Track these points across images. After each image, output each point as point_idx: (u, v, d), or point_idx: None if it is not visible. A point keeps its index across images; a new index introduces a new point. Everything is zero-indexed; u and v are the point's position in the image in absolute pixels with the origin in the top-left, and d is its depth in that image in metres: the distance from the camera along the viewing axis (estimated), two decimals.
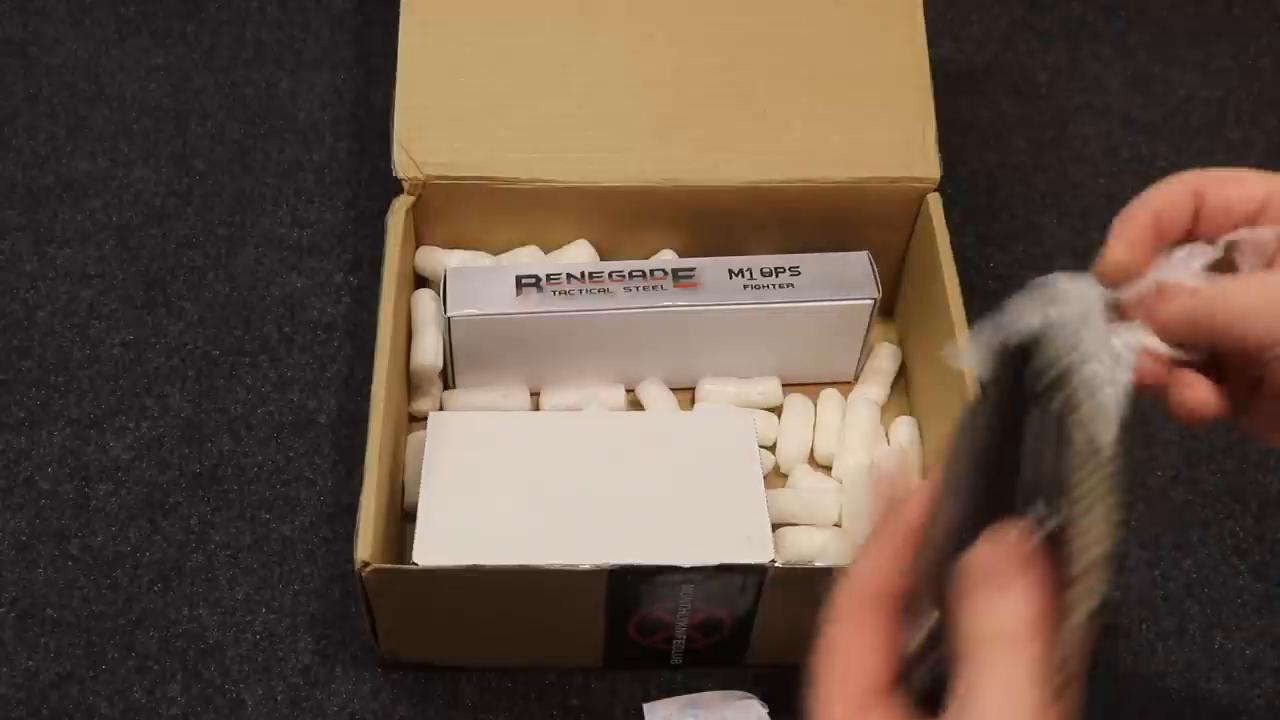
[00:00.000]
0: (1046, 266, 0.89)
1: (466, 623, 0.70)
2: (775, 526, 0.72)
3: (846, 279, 0.79)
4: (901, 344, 0.85)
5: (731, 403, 0.81)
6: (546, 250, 0.83)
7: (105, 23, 0.99)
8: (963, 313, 0.75)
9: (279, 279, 0.87)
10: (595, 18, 0.82)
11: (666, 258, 0.83)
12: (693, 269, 0.79)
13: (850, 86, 0.81)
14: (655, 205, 0.81)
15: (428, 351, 0.78)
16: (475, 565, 0.65)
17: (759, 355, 0.81)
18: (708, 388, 0.81)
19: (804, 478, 0.78)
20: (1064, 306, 0.45)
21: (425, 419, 0.74)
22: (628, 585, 0.66)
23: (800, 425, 0.80)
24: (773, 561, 0.66)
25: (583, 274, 0.78)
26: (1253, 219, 0.49)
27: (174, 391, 0.82)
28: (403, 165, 0.78)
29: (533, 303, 0.76)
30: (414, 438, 0.77)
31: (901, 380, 0.84)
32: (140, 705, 0.71)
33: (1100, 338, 0.45)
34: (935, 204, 0.79)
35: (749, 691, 0.71)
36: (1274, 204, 0.49)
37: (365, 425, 0.69)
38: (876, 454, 0.78)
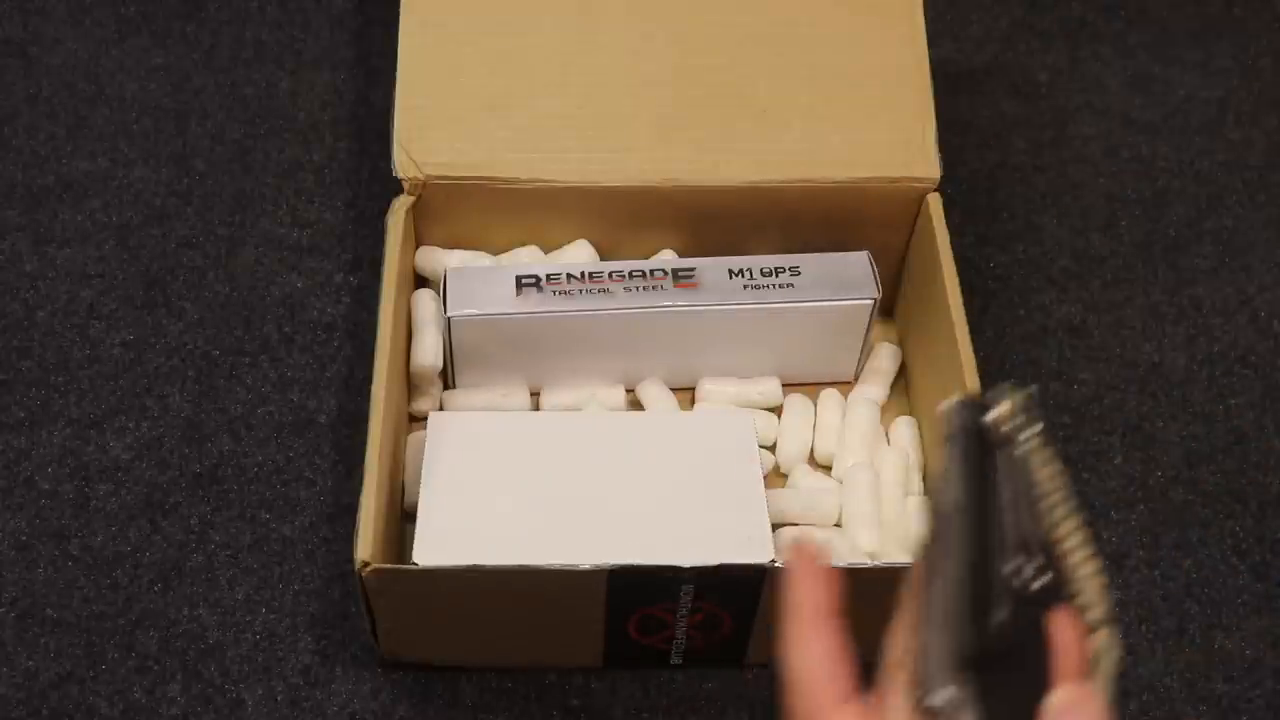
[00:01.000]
0: (1046, 266, 0.90)
1: (466, 623, 0.70)
2: (775, 526, 0.72)
3: (846, 279, 0.79)
4: (901, 344, 0.85)
5: (731, 403, 0.81)
6: (546, 250, 0.83)
7: (105, 23, 0.99)
8: (963, 313, 0.74)
9: (279, 279, 0.87)
10: (595, 18, 0.82)
11: (666, 258, 0.83)
12: (693, 269, 0.78)
13: (850, 86, 0.81)
14: (655, 205, 0.81)
15: (428, 351, 0.78)
16: (475, 565, 0.65)
17: (759, 355, 0.81)
18: (708, 388, 0.81)
19: (804, 478, 0.78)
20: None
21: (425, 419, 0.74)
22: (628, 585, 0.66)
23: (800, 425, 0.80)
24: (773, 561, 0.66)
25: (583, 274, 0.78)
26: None
27: (174, 391, 0.82)
28: (403, 165, 0.78)
29: (533, 303, 0.76)
30: (414, 438, 0.77)
31: (901, 380, 0.84)
32: (140, 705, 0.71)
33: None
34: (935, 204, 0.79)
35: (748, 691, 0.71)
36: None
37: (365, 425, 0.69)
38: (877, 454, 0.79)
